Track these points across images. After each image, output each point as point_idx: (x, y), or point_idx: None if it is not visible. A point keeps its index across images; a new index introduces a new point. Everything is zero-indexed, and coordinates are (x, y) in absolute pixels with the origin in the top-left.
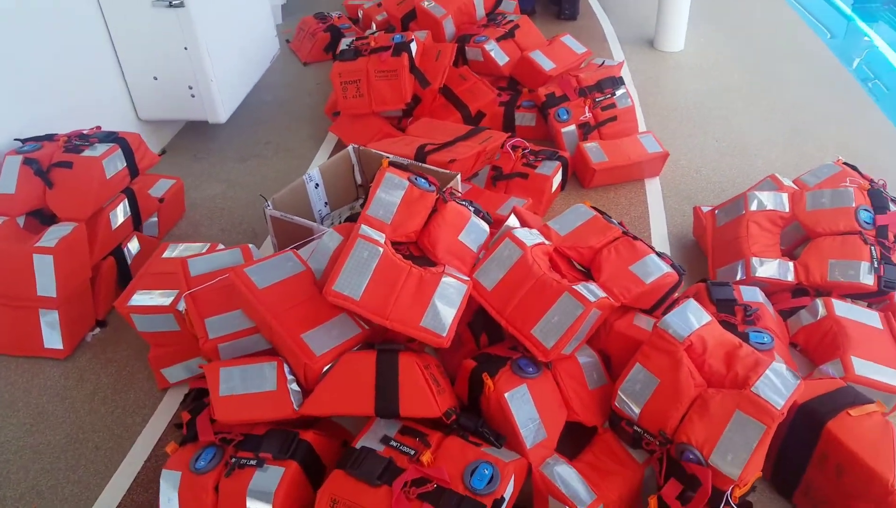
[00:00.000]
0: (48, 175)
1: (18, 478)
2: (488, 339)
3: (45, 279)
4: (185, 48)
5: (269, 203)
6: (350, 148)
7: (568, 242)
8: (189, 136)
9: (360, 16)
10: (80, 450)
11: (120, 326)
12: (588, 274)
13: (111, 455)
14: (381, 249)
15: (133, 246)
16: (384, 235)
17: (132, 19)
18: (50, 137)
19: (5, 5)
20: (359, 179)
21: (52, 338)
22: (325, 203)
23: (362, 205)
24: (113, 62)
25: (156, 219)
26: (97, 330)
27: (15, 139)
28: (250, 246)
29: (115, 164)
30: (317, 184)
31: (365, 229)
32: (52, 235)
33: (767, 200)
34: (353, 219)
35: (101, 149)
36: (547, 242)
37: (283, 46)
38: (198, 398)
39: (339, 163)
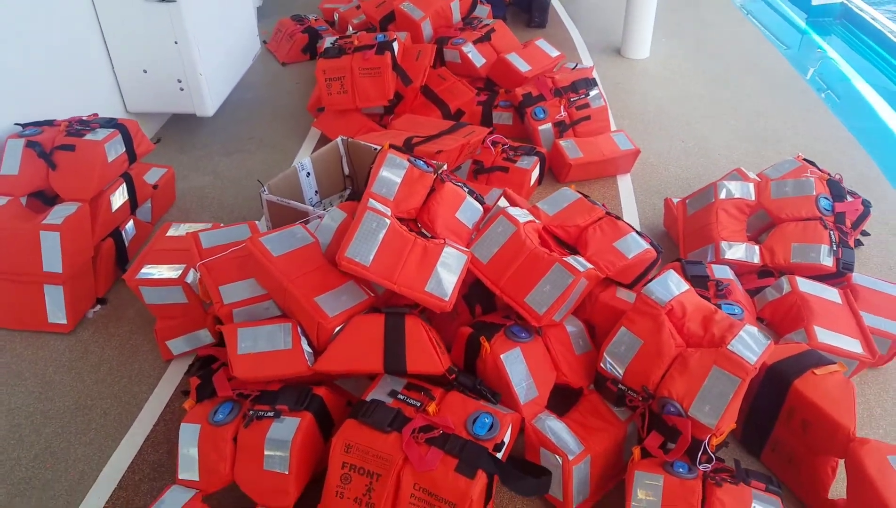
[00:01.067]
0: (51, 157)
1: (32, 441)
2: (482, 310)
3: (52, 255)
4: (176, 42)
5: (266, 188)
6: (339, 140)
7: (556, 221)
8: (173, 130)
9: (336, 18)
10: (90, 415)
11: (120, 304)
12: (574, 252)
13: (120, 420)
14: (389, 220)
15: (130, 228)
16: (390, 209)
17: (124, 13)
18: (49, 122)
19: None
20: (346, 170)
21: (57, 313)
22: (316, 191)
23: (350, 194)
24: (103, 55)
25: (149, 205)
26: (98, 307)
27: (15, 123)
28: (257, 222)
29: (115, 149)
30: (308, 173)
31: (373, 202)
32: (58, 214)
33: (735, 189)
34: (351, 199)
35: (102, 133)
36: (537, 221)
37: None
38: (203, 366)
39: (328, 154)
